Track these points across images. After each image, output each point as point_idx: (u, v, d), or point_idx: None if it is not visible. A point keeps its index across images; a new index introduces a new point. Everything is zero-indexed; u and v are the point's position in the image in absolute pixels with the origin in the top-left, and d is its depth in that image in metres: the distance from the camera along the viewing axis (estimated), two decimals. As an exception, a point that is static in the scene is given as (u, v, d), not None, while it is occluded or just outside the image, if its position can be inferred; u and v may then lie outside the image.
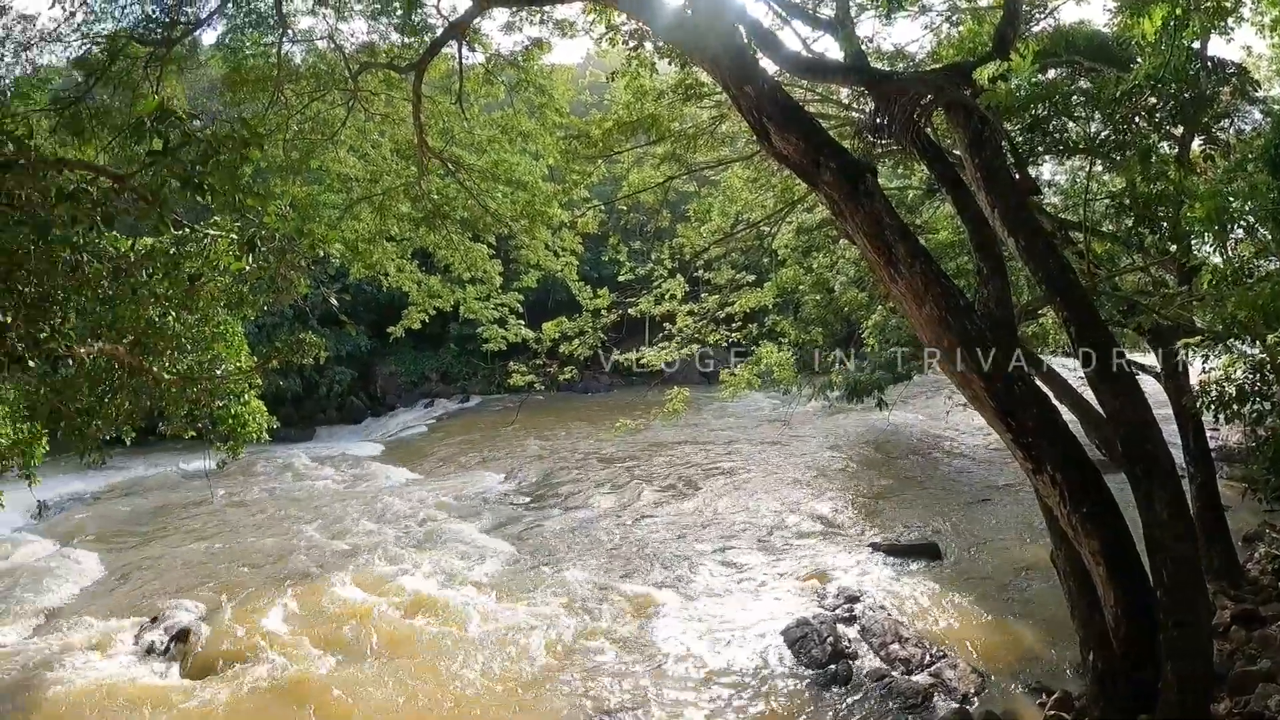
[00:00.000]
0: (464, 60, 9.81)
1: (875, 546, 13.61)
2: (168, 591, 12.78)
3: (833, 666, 9.29)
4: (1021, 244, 5.65)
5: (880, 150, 8.40)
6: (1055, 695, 8.17)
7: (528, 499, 18.29)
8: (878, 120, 6.18)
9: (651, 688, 9.03)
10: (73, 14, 10.02)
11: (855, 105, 9.88)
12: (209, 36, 10.49)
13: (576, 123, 11.04)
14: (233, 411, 10.78)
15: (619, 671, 9.42)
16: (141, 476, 23.01)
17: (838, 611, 10.83)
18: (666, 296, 12.51)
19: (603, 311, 11.83)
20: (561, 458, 22.14)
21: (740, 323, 13.27)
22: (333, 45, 9.82)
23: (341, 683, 9.28)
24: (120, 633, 11.10)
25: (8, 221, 4.61)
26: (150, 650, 10.52)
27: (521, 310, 12.89)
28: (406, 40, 9.58)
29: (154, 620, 11.28)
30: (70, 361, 8.67)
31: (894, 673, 9.10)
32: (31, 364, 7.68)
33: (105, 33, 9.80)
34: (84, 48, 10.04)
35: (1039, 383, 5.88)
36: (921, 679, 8.94)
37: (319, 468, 23.61)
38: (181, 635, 10.63)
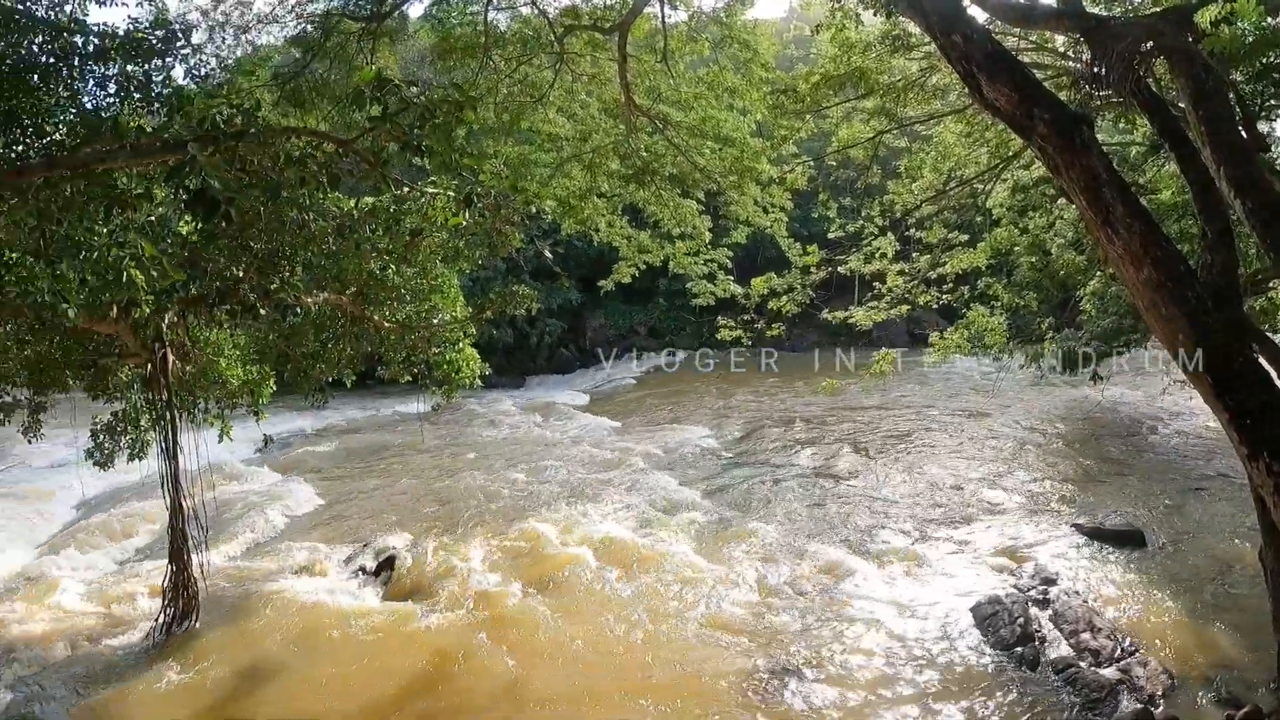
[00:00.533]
0: (667, 18, 9.97)
1: (1077, 528, 12.71)
2: (376, 523, 13.76)
3: (1019, 649, 8.86)
4: (1249, 207, 5.05)
5: (1099, 102, 7.64)
6: (1245, 710, 7.52)
7: (728, 454, 18.45)
8: (1094, 69, 5.69)
9: (833, 650, 8.99)
10: (285, -2, 11.13)
11: (1071, 54, 9.01)
12: (416, 9, 11.23)
13: (782, 77, 10.94)
14: (448, 358, 11.71)
15: (801, 630, 9.43)
16: (358, 418, 25.26)
17: (1031, 592, 10.28)
18: (876, 255, 12.21)
19: (811, 268, 11.74)
20: (764, 415, 22.02)
21: (951, 285, 12.79)
22: (536, 10, 10.25)
23: (531, 614, 9.76)
24: (331, 557, 12.02)
25: (240, 185, 4.82)
26: (358, 573, 11.33)
27: (730, 266, 12.94)
28: (609, 1, 9.84)
29: (364, 547, 12.20)
30: (298, 311, 9.79)
31: (1081, 663, 8.54)
32: (262, 312, 8.82)
33: (319, 12, 10.53)
34: (299, 27, 10.83)
35: (1263, 362, 5.30)
36: (1109, 673, 8.35)
37: (527, 415, 24.70)
38: (387, 562, 11.39)
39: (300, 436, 22.41)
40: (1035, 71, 6.66)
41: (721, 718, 7.71)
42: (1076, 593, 10.23)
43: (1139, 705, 7.69)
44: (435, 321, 11.01)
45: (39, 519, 15.70)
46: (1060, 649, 8.97)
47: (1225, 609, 9.90)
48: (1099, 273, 12.26)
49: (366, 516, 14.37)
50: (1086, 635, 9.18)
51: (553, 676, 8.42)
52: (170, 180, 4.69)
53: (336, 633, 9.41)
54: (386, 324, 10.77)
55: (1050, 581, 10.56)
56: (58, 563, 12.78)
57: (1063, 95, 7.02)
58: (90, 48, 6.69)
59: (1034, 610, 9.72)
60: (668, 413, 23.86)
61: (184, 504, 9.63)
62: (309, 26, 10.54)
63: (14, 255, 6.56)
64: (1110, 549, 11.91)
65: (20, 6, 6.47)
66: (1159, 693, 7.97)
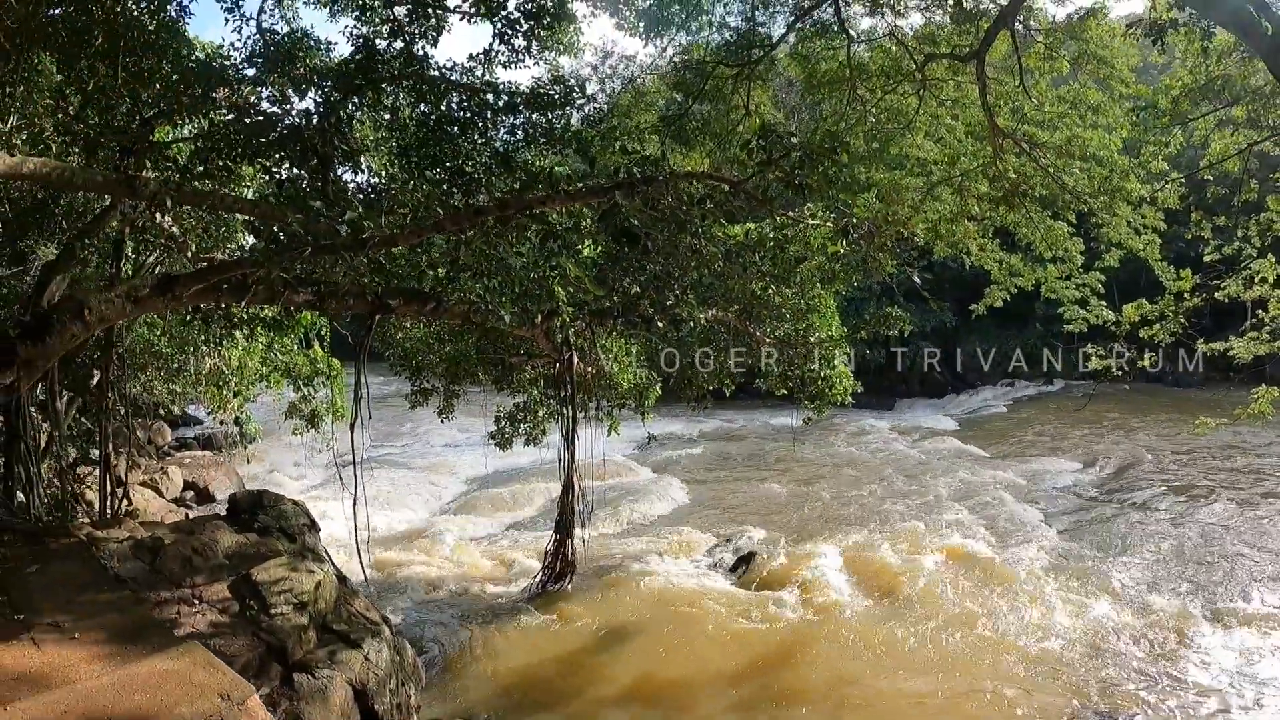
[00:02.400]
0: (1022, 38, 9.96)
1: None
2: (738, 521, 14.69)
3: None
4: None
5: None
6: None
7: (1096, 491, 17.38)
8: None
9: (1165, 700, 8.23)
10: (664, 50, 12.86)
11: None
12: (782, 48, 12.03)
13: (1143, 91, 10.33)
14: (822, 374, 12.12)
15: (1135, 680, 8.67)
16: (733, 427, 26.83)
17: None
18: (1257, 279, 10.81)
19: (1185, 294, 10.73)
20: (1139, 452, 20.24)
21: None
22: (895, 40, 10.88)
23: (866, 621, 10.11)
24: (696, 546, 13.09)
25: (653, 221, 5.72)
26: (717, 564, 12.27)
27: (1104, 290, 12.22)
28: (964, 26, 10.14)
29: (725, 540, 13.13)
30: (689, 324, 10.39)
31: None
32: (659, 325, 9.84)
33: (696, 60, 12.05)
34: (680, 72, 12.41)
35: None
36: None
37: (894, 436, 24.81)
38: (746, 557, 12.22)
39: (678, 439, 24.29)
40: None
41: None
42: None
43: None
44: (812, 339, 11.73)
45: (438, 487, 18.28)
46: None
47: None
48: None
49: (730, 515, 15.59)
50: None
51: (878, 675, 8.74)
52: (603, 221, 6.34)
53: (691, 608, 10.26)
54: (767, 340, 11.77)
55: None
56: (454, 522, 14.97)
57: None
58: (501, 103, 7.93)
59: None
60: (1039, 444, 22.92)
61: (576, 484, 10.95)
62: (688, 73, 12.00)
63: (465, 275, 7.97)
64: None
65: (439, 74, 7.95)
66: None
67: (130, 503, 10.46)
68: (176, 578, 6.64)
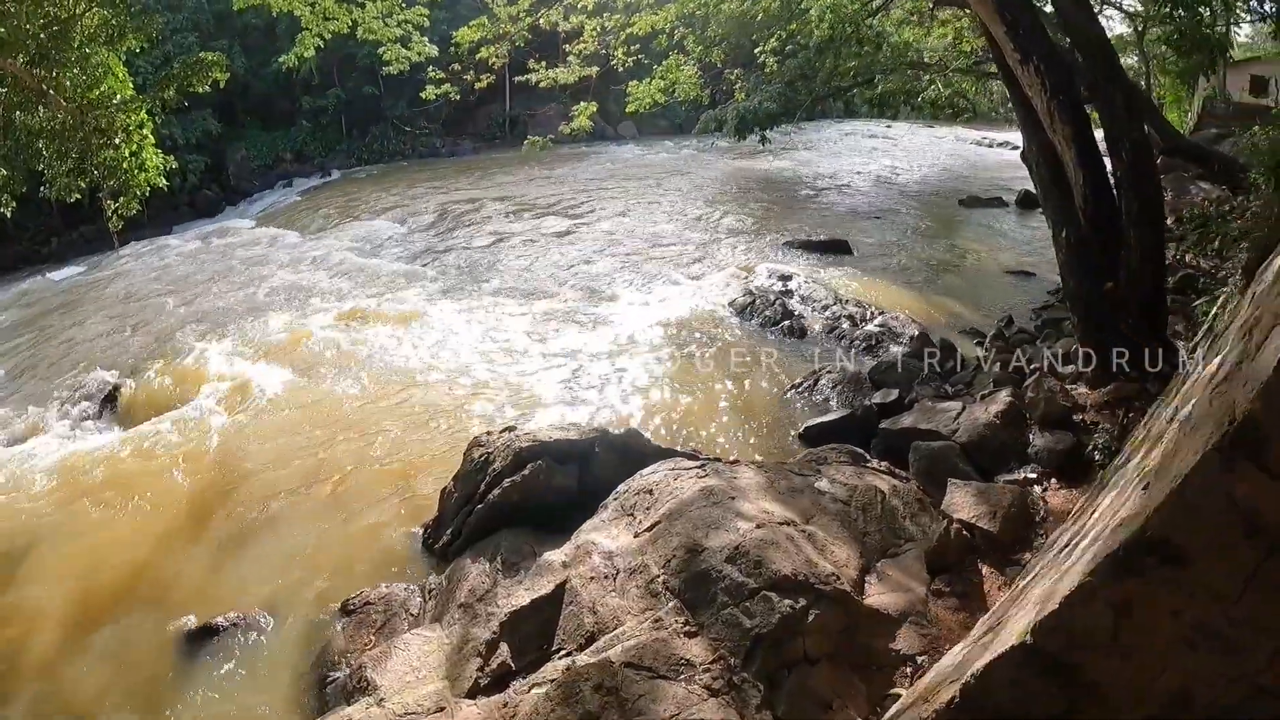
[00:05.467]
0: None
1: (789, 244, 15.43)
2: (76, 372, 11.30)
3: (785, 323, 10.90)
4: None
5: None
6: (991, 333, 9.95)
7: (432, 235, 18.41)
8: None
9: (615, 349, 10.37)
10: None
11: None
12: None
13: None
14: (125, 154, 9.73)
15: (581, 348, 10.53)
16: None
17: (775, 288, 12.11)
18: (578, 5, 12.03)
19: (519, 15, 11.54)
20: (451, 204, 21.32)
21: (638, 45, 13.39)
22: None
23: (295, 391, 9.47)
24: (44, 415, 9.81)
25: None
26: (83, 419, 9.59)
27: (428, 24, 11.95)
28: None
29: (75, 391, 10.17)
30: None
31: (843, 324, 10.73)
32: None
33: None
34: None
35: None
36: (871, 328, 10.41)
37: (200, 245, 20.29)
38: (110, 396, 9.92)
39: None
40: None
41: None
42: (816, 282, 12.22)
43: (905, 347, 9.56)
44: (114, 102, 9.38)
45: None
46: (819, 321, 10.95)
47: (943, 290, 12.63)
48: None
49: (65, 371, 11.61)
50: (836, 307, 11.22)
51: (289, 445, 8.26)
52: None
53: (96, 476, 7.99)
54: (64, 103, 9.00)
55: (787, 278, 12.50)
56: None
57: None
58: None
59: (783, 299, 11.61)
60: (351, 215, 21.69)
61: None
62: None
63: None
64: (825, 255, 14.70)
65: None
66: (917, 334, 9.89)
67: None
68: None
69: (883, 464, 6.06)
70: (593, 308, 12.36)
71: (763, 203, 20.43)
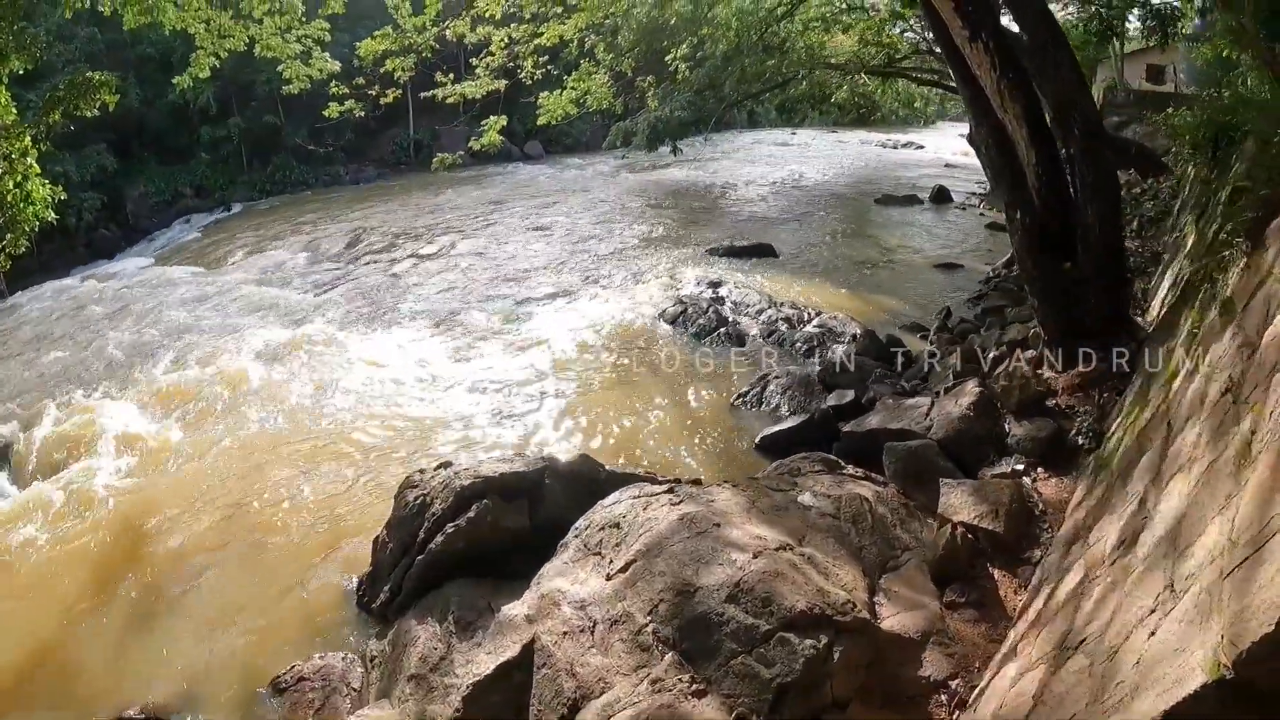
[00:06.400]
0: None
1: (713, 250, 15.09)
2: None
3: (721, 330, 10.56)
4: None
5: None
6: (935, 326, 9.78)
7: (340, 264, 17.25)
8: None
9: (546, 369, 9.86)
10: None
11: None
12: None
13: None
14: (9, 185, 9.03)
15: (510, 369, 9.96)
16: None
17: (705, 295, 11.80)
18: (486, 15, 11.83)
19: (427, 25, 11.25)
20: (358, 232, 20.31)
21: (547, 56, 13.27)
22: None
23: (202, 439, 8.57)
24: None
25: None
26: None
27: (329, 38, 11.35)
28: None
29: None
30: None
31: (781, 328, 10.42)
32: None
33: None
34: None
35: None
36: (810, 329, 10.13)
37: (97, 287, 18.21)
38: (2, 451, 9.06)
39: None
40: None
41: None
42: (746, 286, 12.05)
43: (846, 345, 9.36)
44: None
45: None
46: (756, 326, 10.65)
47: (874, 288, 12.42)
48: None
49: None
50: (772, 311, 10.92)
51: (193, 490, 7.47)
52: None
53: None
54: None
55: (716, 284, 12.24)
56: None
57: None
58: None
59: (716, 306, 11.29)
60: (254, 248, 20.53)
61: None
62: None
63: None
64: (750, 259, 14.43)
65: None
66: (859, 333, 9.57)
67: None
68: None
69: (858, 470, 5.60)
70: (516, 327, 11.70)
71: (679, 213, 20.21)
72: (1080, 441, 5.39)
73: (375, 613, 5.42)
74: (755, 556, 3.66)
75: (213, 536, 6.79)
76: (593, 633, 3.68)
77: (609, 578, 4.05)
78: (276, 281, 16.15)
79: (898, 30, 18.19)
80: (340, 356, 10.79)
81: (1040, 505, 4.87)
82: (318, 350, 11.07)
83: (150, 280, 18.03)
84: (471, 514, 5.15)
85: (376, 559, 5.70)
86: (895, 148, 32.46)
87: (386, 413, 8.99)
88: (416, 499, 5.58)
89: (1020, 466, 5.34)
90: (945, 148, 32.50)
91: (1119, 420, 5.08)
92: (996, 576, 4.31)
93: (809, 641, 3.16)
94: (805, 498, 4.79)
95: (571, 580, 4.20)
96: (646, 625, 3.52)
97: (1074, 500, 4.77)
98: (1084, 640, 2.60)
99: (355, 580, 5.89)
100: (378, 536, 5.82)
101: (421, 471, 5.98)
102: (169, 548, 6.70)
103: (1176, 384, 3.90)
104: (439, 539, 5.11)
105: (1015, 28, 6.94)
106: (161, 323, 13.69)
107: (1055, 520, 4.74)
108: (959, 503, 4.70)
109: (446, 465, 5.96)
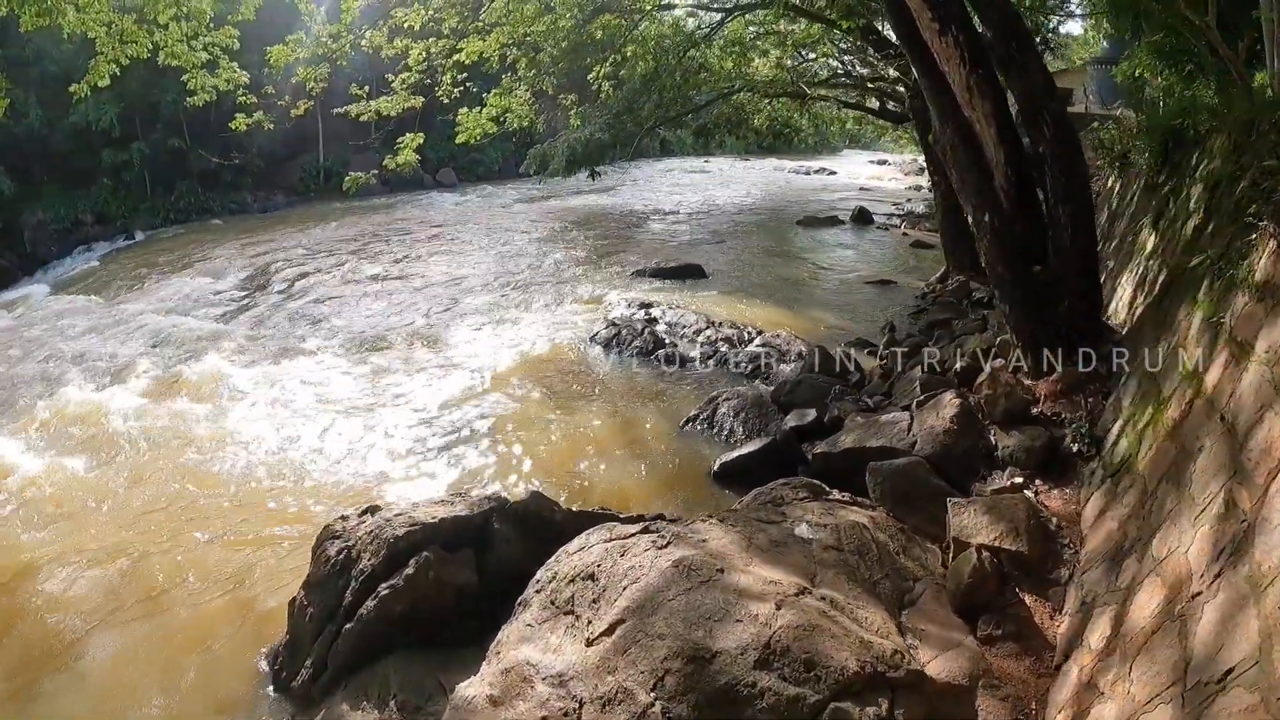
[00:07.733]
0: None
1: (640, 273, 14.80)
2: None
3: (660, 352, 10.01)
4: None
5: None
6: (884, 340, 9.44)
7: (246, 293, 16.33)
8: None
9: (472, 397, 9.15)
10: None
11: None
12: None
13: None
14: None
15: (433, 399, 9.22)
16: None
17: (638, 316, 11.34)
18: (404, 26, 11.69)
19: (341, 33, 11.02)
20: (265, 260, 19.30)
21: (466, 74, 12.97)
22: None
23: (91, 484, 7.65)
24: None
25: None
26: None
27: (239, 44, 10.73)
28: None
29: None
30: None
31: (722, 348, 9.99)
32: None
33: None
34: None
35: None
36: (753, 348, 9.78)
37: None
38: None
39: None
40: None
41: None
42: (679, 307, 11.70)
43: (792, 365, 9.04)
44: None
45: None
46: (696, 347, 10.18)
47: (811, 305, 12.19)
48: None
49: None
50: (711, 331, 10.55)
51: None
52: None
53: None
54: None
55: (648, 306, 11.89)
56: None
57: None
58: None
59: (650, 328, 10.76)
60: (159, 276, 19.33)
61: None
62: None
63: None
64: (678, 281, 14.11)
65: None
66: (804, 351, 9.30)
67: None
68: None
69: (845, 495, 5.06)
70: (436, 354, 10.90)
71: (602, 237, 19.75)
72: (1075, 449, 5.01)
73: (296, 693, 4.48)
74: (779, 607, 3.00)
75: (100, 599, 5.80)
76: (579, 717, 2.93)
77: (590, 643, 3.30)
78: (179, 312, 15.10)
79: (813, 56, 18.37)
80: (245, 389, 9.89)
81: (1055, 520, 4.43)
82: (219, 383, 10.21)
83: (47, 310, 17.00)
84: (410, 570, 4.30)
85: (294, 627, 4.75)
86: (808, 173, 33.18)
87: (297, 451, 8.06)
88: (339, 552, 4.68)
89: (1019, 479, 4.91)
90: (858, 173, 33.56)
91: (1120, 424, 4.74)
92: (1029, 602, 3.80)
93: (871, 710, 2.52)
94: (802, 530, 4.18)
95: (541, 648, 3.43)
96: (653, 705, 2.79)
97: (1089, 511, 4.36)
98: (1231, 672, 2.09)
99: (269, 652, 4.92)
100: (294, 598, 4.86)
101: (344, 519, 5.06)
102: (49, 614, 5.69)
103: (1212, 378, 3.52)
104: (370, 603, 4.24)
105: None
106: (53, 354, 12.68)
107: (1072, 535, 4.30)
108: (973, 523, 4.19)
109: (373, 510, 5.06)
